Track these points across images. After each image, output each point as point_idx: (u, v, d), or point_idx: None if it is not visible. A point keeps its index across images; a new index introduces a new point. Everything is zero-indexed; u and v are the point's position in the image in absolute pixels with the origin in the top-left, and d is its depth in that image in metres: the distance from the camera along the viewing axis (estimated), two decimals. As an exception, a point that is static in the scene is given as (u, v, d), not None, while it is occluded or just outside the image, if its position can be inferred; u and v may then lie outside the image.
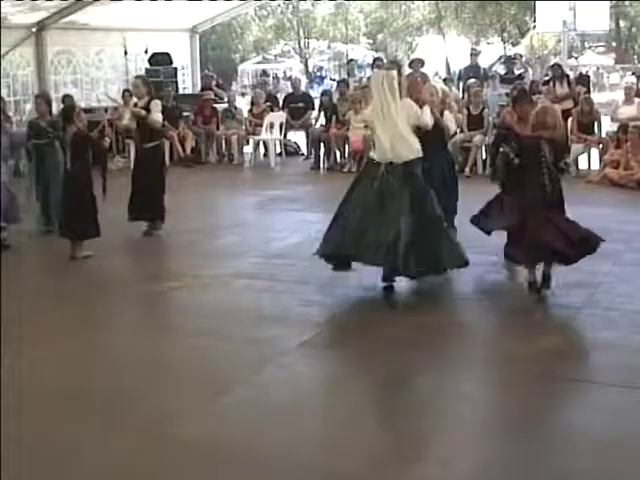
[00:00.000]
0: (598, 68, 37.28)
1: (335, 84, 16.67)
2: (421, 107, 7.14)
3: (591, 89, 16.41)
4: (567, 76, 14.69)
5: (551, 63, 16.95)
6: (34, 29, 14.99)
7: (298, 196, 11.84)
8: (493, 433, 4.46)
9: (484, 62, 18.86)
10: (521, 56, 16.85)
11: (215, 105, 15.73)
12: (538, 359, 5.40)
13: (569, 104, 13.49)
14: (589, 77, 18.53)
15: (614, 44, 41.94)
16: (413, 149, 6.76)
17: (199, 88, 17.38)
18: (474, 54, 16.81)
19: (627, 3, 35.75)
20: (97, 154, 8.55)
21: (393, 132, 6.69)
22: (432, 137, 7.30)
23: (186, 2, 15.77)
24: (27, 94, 15.09)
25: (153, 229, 9.22)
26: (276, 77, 31.97)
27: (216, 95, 16.16)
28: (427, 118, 7.10)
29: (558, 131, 6.55)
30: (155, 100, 9.26)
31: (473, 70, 16.04)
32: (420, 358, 5.57)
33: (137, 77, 10.10)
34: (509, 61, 16.38)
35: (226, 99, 16.13)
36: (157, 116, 9.19)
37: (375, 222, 6.62)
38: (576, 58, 34.21)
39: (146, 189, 9.08)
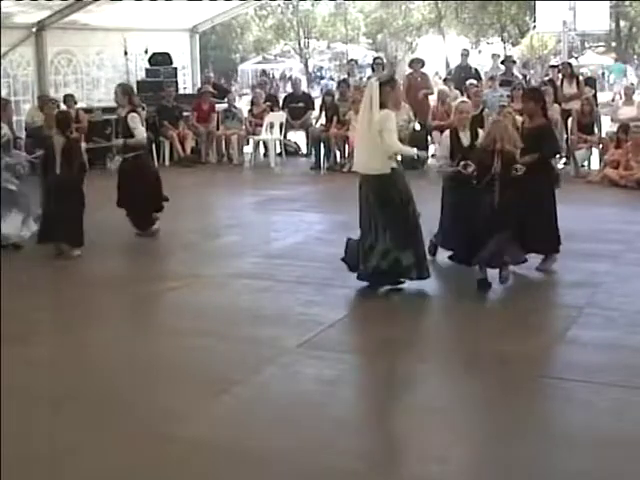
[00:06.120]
0: (602, 76, 37.10)
1: (335, 84, 16.69)
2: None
3: (597, 92, 16.38)
4: (577, 76, 14.67)
5: (560, 62, 16.89)
6: (34, 29, 14.96)
7: (298, 196, 11.83)
8: (492, 433, 4.46)
9: (488, 63, 18.92)
10: (514, 62, 16.84)
11: (213, 101, 15.67)
12: (537, 359, 5.41)
13: (575, 104, 13.47)
14: (595, 80, 18.54)
15: (614, 44, 41.92)
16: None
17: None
18: (464, 54, 17.12)
19: (627, 3, 35.71)
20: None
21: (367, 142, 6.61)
22: None
23: (186, 2, 15.76)
24: (27, 94, 15.08)
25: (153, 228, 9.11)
26: (273, 77, 31.99)
27: (214, 96, 16.09)
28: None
29: (507, 143, 6.64)
30: (132, 114, 8.90)
31: (464, 70, 16.19)
32: (419, 358, 5.57)
33: (118, 85, 9.58)
34: (508, 62, 16.36)
35: (225, 99, 16.12)
36: (138, 133, 8.90)
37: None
38: (576, 58, 34.17)
39: (134, 200, 8.88)
